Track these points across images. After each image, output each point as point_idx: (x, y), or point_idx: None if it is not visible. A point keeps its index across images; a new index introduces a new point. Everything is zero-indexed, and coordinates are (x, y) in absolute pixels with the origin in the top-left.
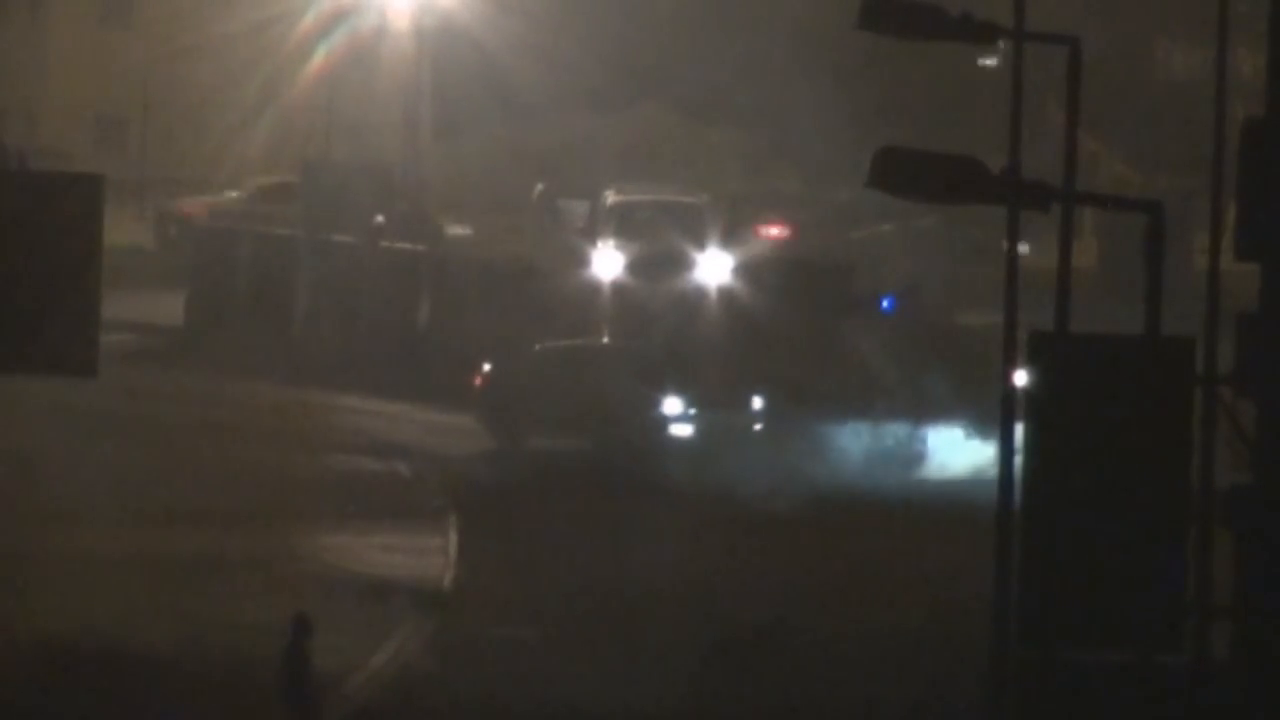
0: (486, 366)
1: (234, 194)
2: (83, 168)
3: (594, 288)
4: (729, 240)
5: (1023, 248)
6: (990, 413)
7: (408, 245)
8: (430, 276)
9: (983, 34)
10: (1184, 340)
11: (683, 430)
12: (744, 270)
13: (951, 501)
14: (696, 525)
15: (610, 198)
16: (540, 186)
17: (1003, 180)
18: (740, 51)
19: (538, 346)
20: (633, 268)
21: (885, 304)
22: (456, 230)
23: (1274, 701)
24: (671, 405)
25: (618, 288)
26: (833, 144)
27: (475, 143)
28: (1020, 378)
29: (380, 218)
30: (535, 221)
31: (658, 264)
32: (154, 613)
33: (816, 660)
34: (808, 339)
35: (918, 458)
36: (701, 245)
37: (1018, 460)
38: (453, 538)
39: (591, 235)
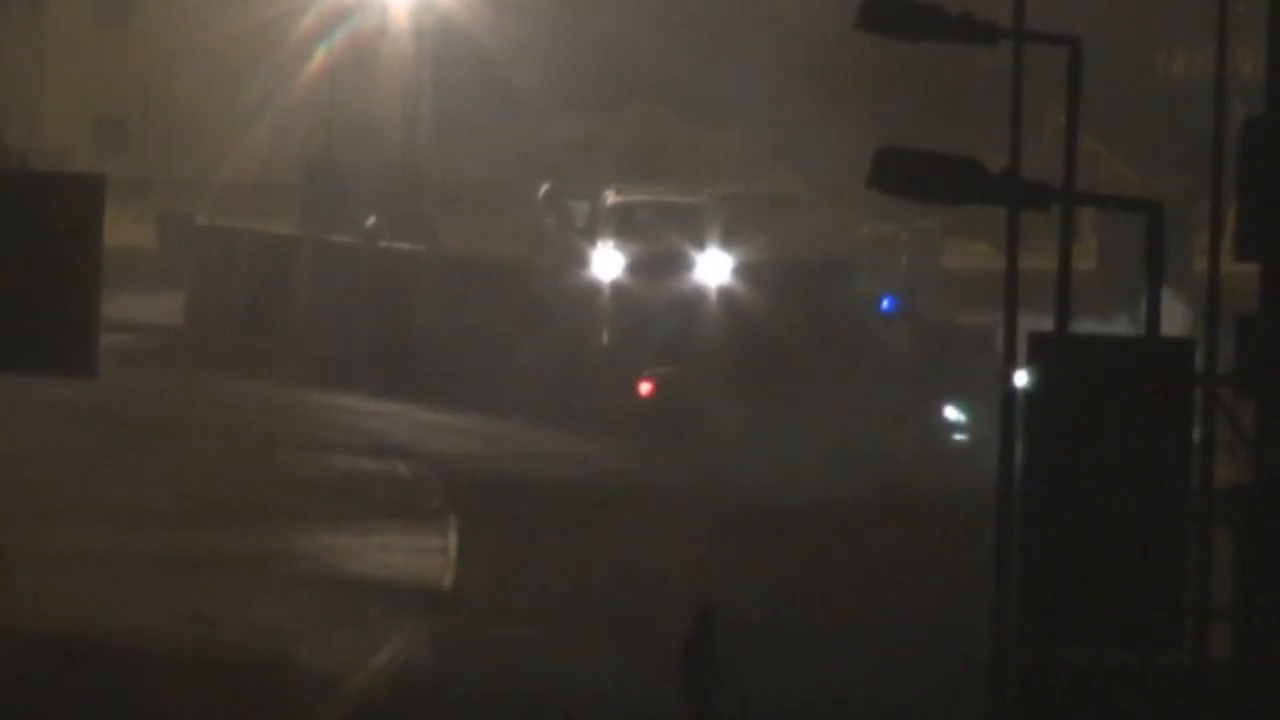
0: (652, 374)
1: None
2: (83, 168)
3: (594, 288)
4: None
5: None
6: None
7: (406, 245)
8: (429, 276)
9: (983, 34)
10: (1184, 340)
11: (960, 437)
12: (744, 271)
13: (952, 500)
14: (697, 525)
15: (610, 198)
16: (546, 186)
17: (1003, 180)
18: (740, 52)
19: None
20: (633, 268)
21: (885, 304)
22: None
23: (1274, 701)
24: (951, 412)
25: (617, 288)
26: (831, 144)
27: (475, 143)
28: (1020, 378)
29: (373, 218)
30: (540, 221)
31: (658, 264)
32: (154, 612)
33: (817, 660)
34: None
35: None
36: (701, 245)
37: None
38: (453, 538)
39: (591, 235)
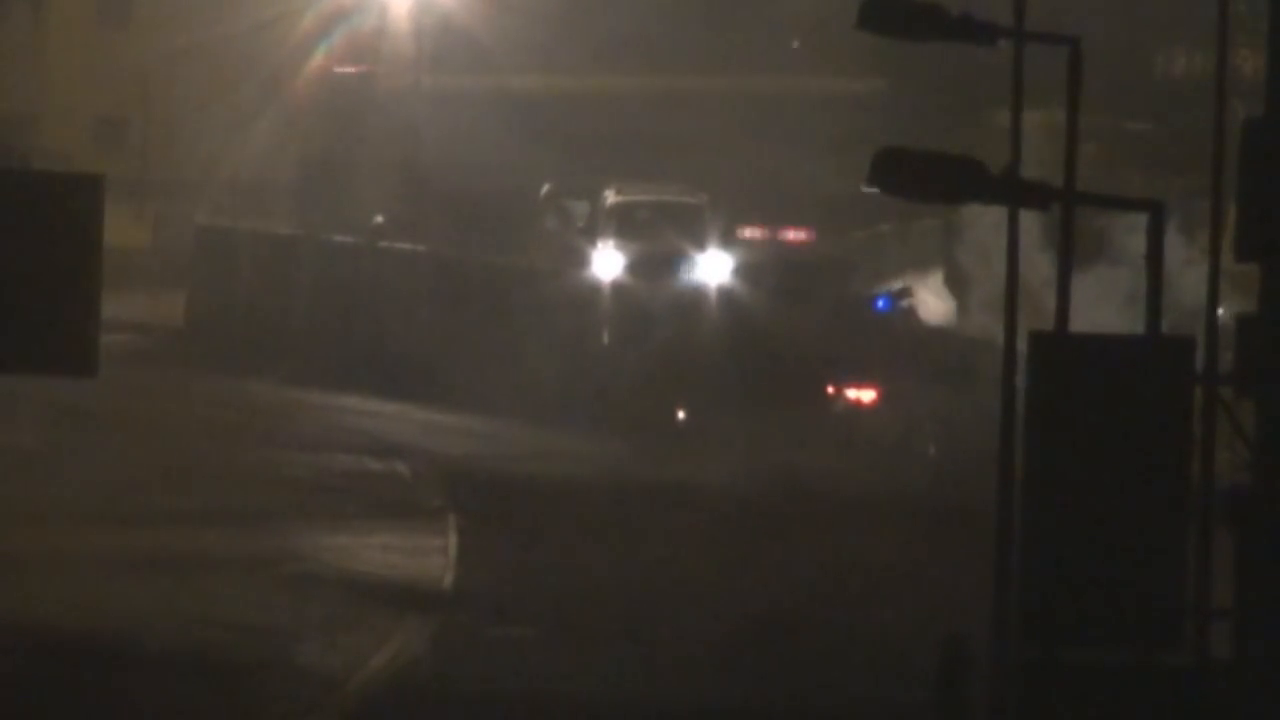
0: (873, 383)
1: None
2: (83, 168)
3: (594, 288)
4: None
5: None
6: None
7: (407, 245)
8: (430, 276)
9: (983, 34)
10: (1184, 340)
11: None
12: (744, 270)
13: (951, 500)
14: (697, 524)
15: (610, 198)
16: (547, 186)
17: (1003, 180)
18: (741, 52)
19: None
20: (633, 268)
21: (881, 304)
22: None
23: (1274, 701)
24: None
25: (617, 288)
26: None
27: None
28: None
29: (379, 217)
30: (541, 222)
31: (658, 264)
32: (153, 612)
33: (816, 659)
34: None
35: None
36: (701, 245)
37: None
38: (453, 538)
39: (591, 235)
